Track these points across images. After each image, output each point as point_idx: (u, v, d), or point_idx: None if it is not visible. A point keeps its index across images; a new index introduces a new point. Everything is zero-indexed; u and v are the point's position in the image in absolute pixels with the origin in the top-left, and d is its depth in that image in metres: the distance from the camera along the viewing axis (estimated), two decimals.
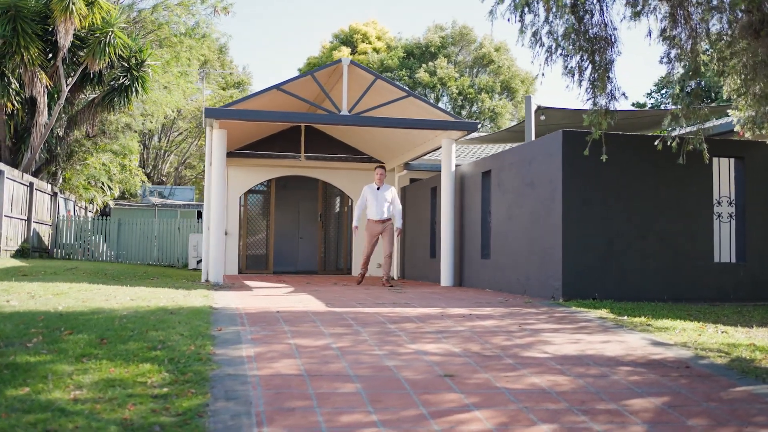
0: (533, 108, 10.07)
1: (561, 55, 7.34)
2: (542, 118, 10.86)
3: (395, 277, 14.52)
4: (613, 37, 7.57)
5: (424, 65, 36.07)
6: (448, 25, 38.81)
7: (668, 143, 7.75)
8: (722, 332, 6.42)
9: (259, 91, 10.51)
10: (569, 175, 8.16)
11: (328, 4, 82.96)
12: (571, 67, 7.68)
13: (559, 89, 70.32)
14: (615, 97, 7.56)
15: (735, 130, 9.04)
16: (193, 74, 27.80)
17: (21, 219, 16.58)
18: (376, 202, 11.11)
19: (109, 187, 25.16)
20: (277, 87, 10.49)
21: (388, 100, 10.89)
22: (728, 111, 9.09)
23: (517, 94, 36.05)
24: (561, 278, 8.06)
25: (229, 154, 15.36)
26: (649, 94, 31.48)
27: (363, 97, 10.66)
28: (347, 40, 37.99)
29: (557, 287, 8.14)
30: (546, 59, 7.45)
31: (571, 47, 7.61)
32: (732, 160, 8.87)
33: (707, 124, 11.55)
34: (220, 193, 10.58)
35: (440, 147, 11.57)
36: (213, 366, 4.35)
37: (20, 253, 16.32)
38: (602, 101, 7.43)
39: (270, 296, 8.50)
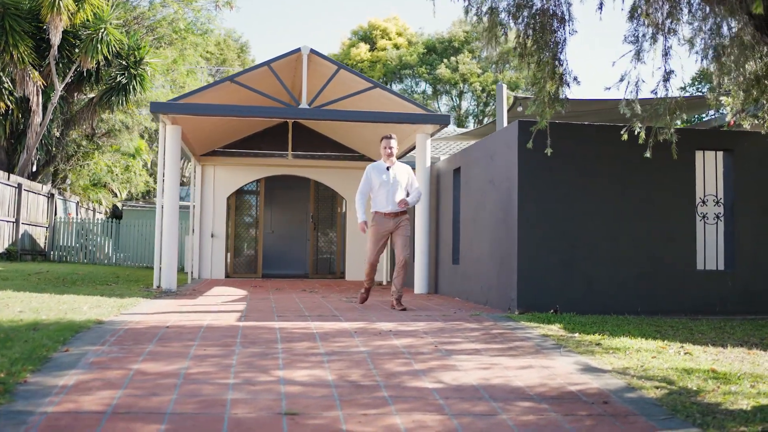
0: (504, 96, 9.12)
1: (504, 33, 6.43)
2: (519, 109, 9.90)
3: (383, 282, 13.62)
4: (566, 14, 6.63)
5: (445, 60, 35.02)
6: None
7: (636, 133, 6.77)
8: (685, 353, 5.50)
9: (212, 84, 9.79)
10: (526, 171, 7.24)
11: (350, 1, 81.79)
12: (521, 50, 6.78)
13: (591, 81, 67.82)
14: (566, 83, 6.62)
15: (726, 119, 7.98)
16: (203, 72, 27.32)
17: (7, 221, 16.19)
18: (385, 187, 7.85)
19: (119, 189, 24.87)
20: (231, 79, 9.76)
21: (353, 92, 10.06)
22: (721, 98, 8.01)
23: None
24: (516, 288, 7.14)
25: (213, 153, 14.75)
26: (690, 86, 29.91)
27: (325, 89, 9.86)
28: (366, 36, 37.16)
29: (513, 298, 7.22)
30: (489, 41, 6.55)
31: (519, 25, 6.71)
32: (719, 153, 7.80)
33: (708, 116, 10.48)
34: (173, 195, 9.87)
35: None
36: (2, 400, 3.60)
37: (5, 256, 15.93)
38: (549, 87, 6.50)
39: (201, 305, 7.78)
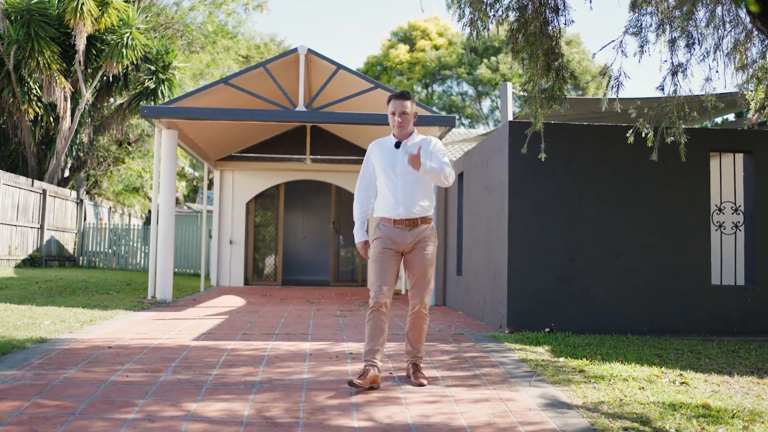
0: (510, 96, 8.49)
1: (485, 28, 5.86)
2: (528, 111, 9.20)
3: (402, 291, 13.00)
4: (560, 3, 6.02)
5: (485, 60, 34.17)
6: None
7: (643, 135, 6.09)
8: (681, 383, 4.86)
9: (205, 86, 9.41)
10: (519, 176, 6.62)
11: (391, 4, 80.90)
12: (513, 44, 6.19)
13: (637, 82, 65.33)
14: (563, 79, 6.00)
15: (747, 116, 7.21)
16: None
17: (31, 227, 16.21)
18: (391, 175, 4.45)
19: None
20: (225, 81, 9.37)
21: (354, 93, 9.56)
22: (745, 92, 7.24)
23: (587, 92, 33.58)
24: (506, 304, 6.53)
25: (230, 158, 14.45)
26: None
27: (323, 90, 9.39)
28: (406, 37, 36.59)
29: (503, 315, 6.61)
30: (470, 34, 5.98)
31: (510, 17, 6.13)
32: (738, 155, 7.02)
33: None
34: (168, 201, 9.55)
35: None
36: None
37: (29, 262, 15.93)
38: (544, 83, 5.89)
39: (177, 319, 7.39)
